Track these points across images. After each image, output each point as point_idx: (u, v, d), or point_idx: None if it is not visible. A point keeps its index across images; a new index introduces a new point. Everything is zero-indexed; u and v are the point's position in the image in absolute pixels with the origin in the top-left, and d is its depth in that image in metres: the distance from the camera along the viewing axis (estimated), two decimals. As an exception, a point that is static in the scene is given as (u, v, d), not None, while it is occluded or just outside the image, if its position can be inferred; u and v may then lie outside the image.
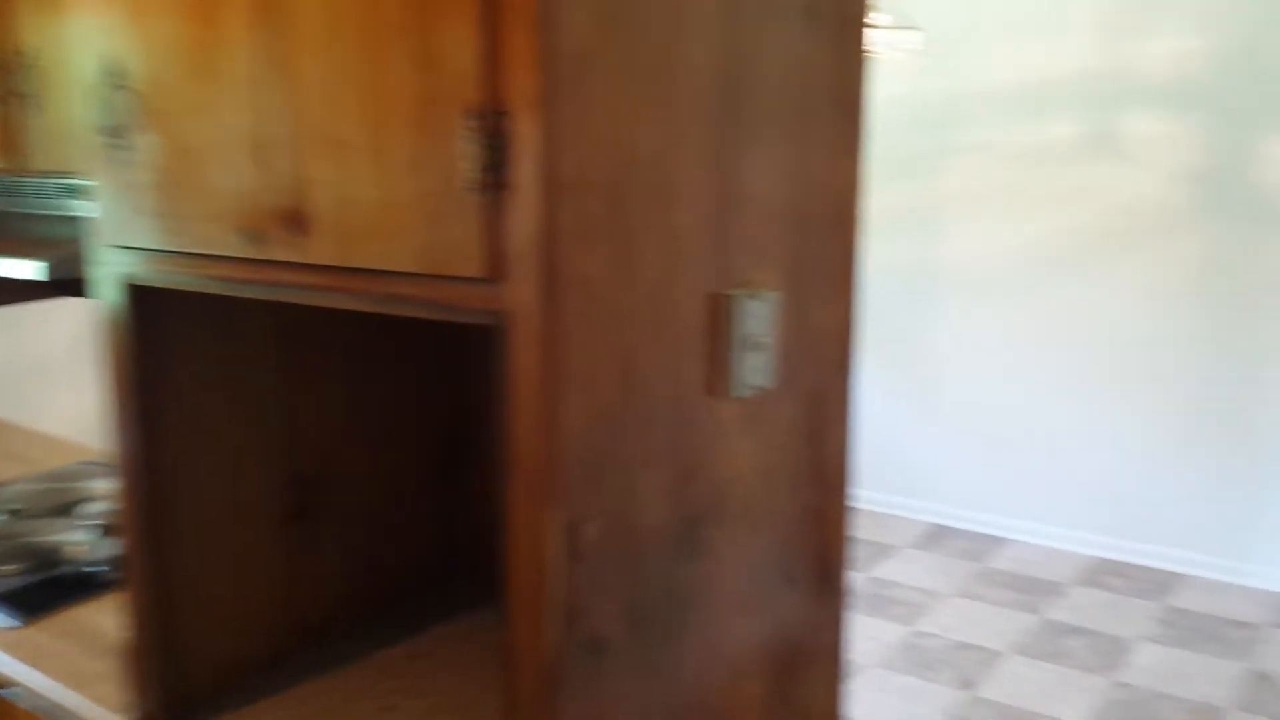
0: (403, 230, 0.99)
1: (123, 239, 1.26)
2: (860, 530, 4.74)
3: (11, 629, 1.67)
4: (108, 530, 1.98)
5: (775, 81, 1.16)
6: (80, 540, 1.95)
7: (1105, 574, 4.25)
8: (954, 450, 4.71)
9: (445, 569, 1.76)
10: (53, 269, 1.62)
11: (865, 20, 1.30)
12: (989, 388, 4.56)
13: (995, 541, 4.57)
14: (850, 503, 1.41)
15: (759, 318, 1.16)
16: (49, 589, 1.79)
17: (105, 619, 1.70)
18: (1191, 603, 3.99)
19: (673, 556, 1.11)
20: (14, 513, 2.11)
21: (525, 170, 0.91)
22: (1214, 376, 4.05)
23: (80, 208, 1.66)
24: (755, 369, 1.17)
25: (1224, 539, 4.12)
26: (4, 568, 1.84)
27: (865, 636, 3.81)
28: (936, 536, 4.65)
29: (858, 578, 4.25)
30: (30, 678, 1.56)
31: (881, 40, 3.31)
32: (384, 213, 1.00)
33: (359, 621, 1.63)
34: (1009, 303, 4.45)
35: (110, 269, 1.29)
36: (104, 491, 2.18)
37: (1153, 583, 4.16)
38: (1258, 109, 3.85)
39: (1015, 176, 4.38)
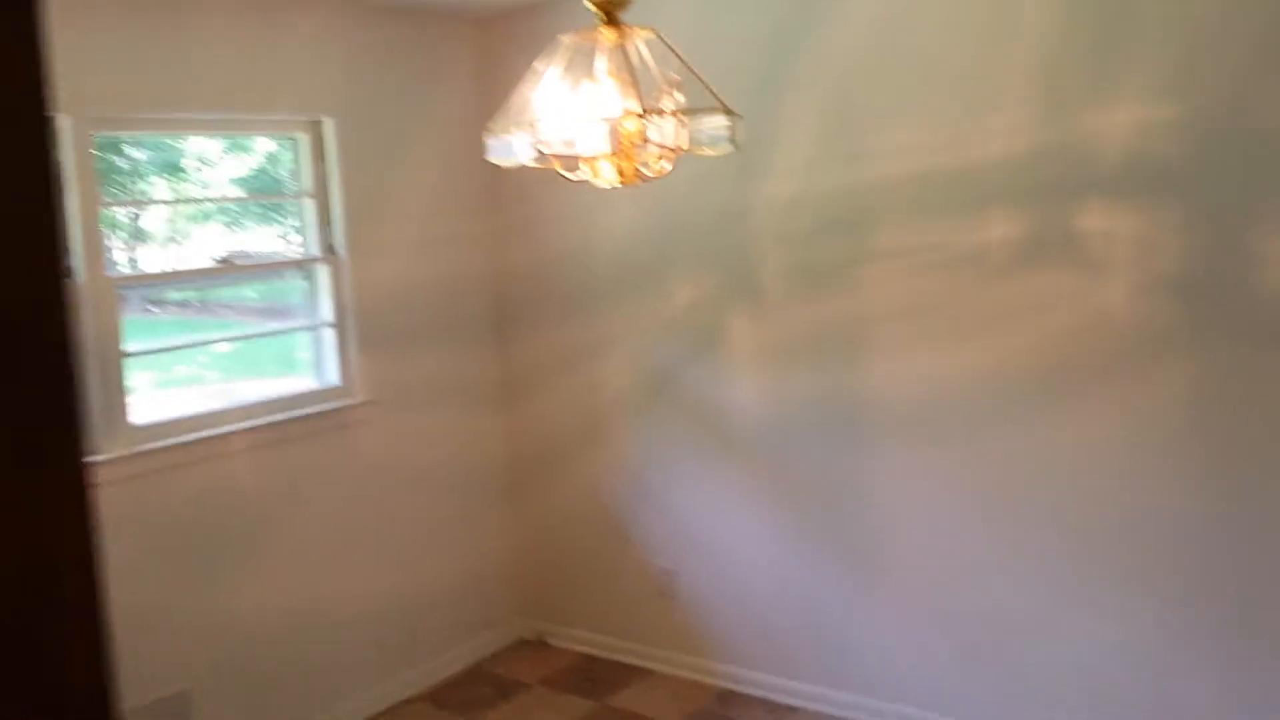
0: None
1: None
2: (791, 741, 3.69)
3: None
4: None
5: None
6: None
7: (1099, 818, 3.16)
8: (921, 642, 3.63)
9: None
10: None
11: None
12: (940, 559, 3.53)
13: (959, 761, 3.49)
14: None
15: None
16: None
17: None
18: None
19: None
20: None
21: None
22: (1233, 548, 2.99)
23: None
24: None
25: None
26: None
27: None
28: (886, 751, 3.59)
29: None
30: None
31: (706, 131, 2.36)
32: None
33: None
34: (962, 451, 3.43)
35: None
36: None
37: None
38: (1250, 196, 2.86)
39: (947, 287, 3.39)
